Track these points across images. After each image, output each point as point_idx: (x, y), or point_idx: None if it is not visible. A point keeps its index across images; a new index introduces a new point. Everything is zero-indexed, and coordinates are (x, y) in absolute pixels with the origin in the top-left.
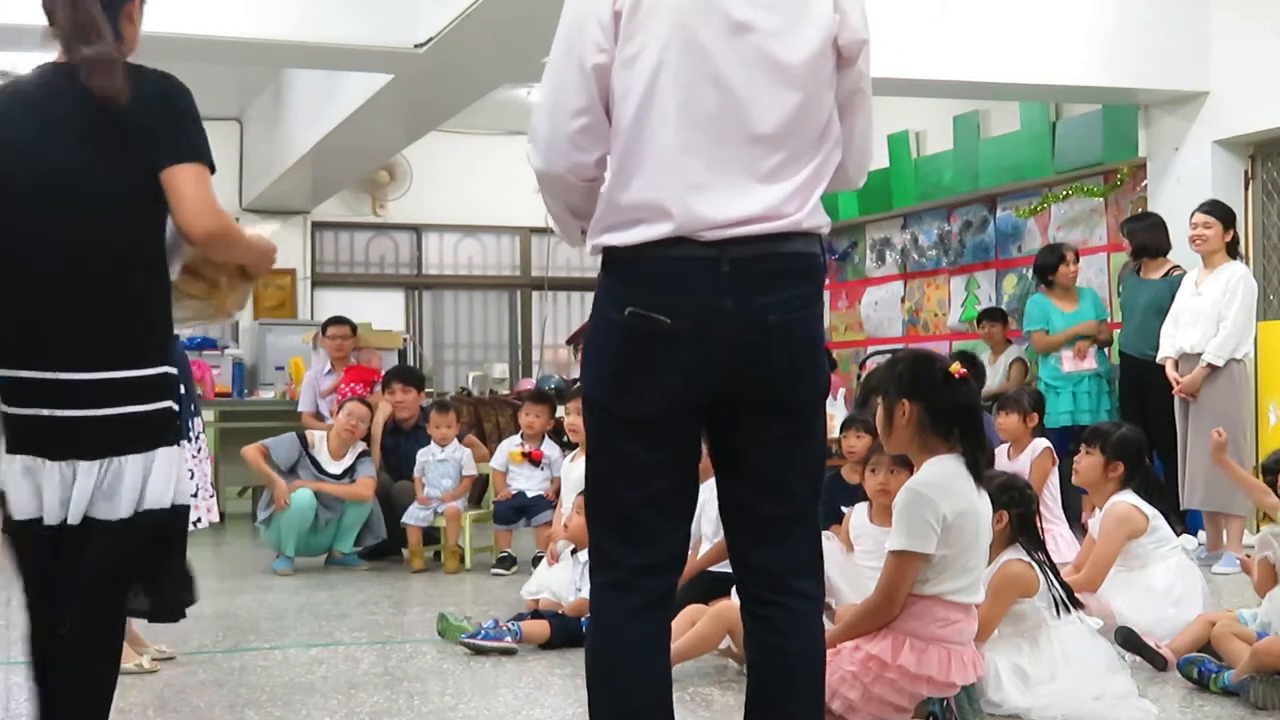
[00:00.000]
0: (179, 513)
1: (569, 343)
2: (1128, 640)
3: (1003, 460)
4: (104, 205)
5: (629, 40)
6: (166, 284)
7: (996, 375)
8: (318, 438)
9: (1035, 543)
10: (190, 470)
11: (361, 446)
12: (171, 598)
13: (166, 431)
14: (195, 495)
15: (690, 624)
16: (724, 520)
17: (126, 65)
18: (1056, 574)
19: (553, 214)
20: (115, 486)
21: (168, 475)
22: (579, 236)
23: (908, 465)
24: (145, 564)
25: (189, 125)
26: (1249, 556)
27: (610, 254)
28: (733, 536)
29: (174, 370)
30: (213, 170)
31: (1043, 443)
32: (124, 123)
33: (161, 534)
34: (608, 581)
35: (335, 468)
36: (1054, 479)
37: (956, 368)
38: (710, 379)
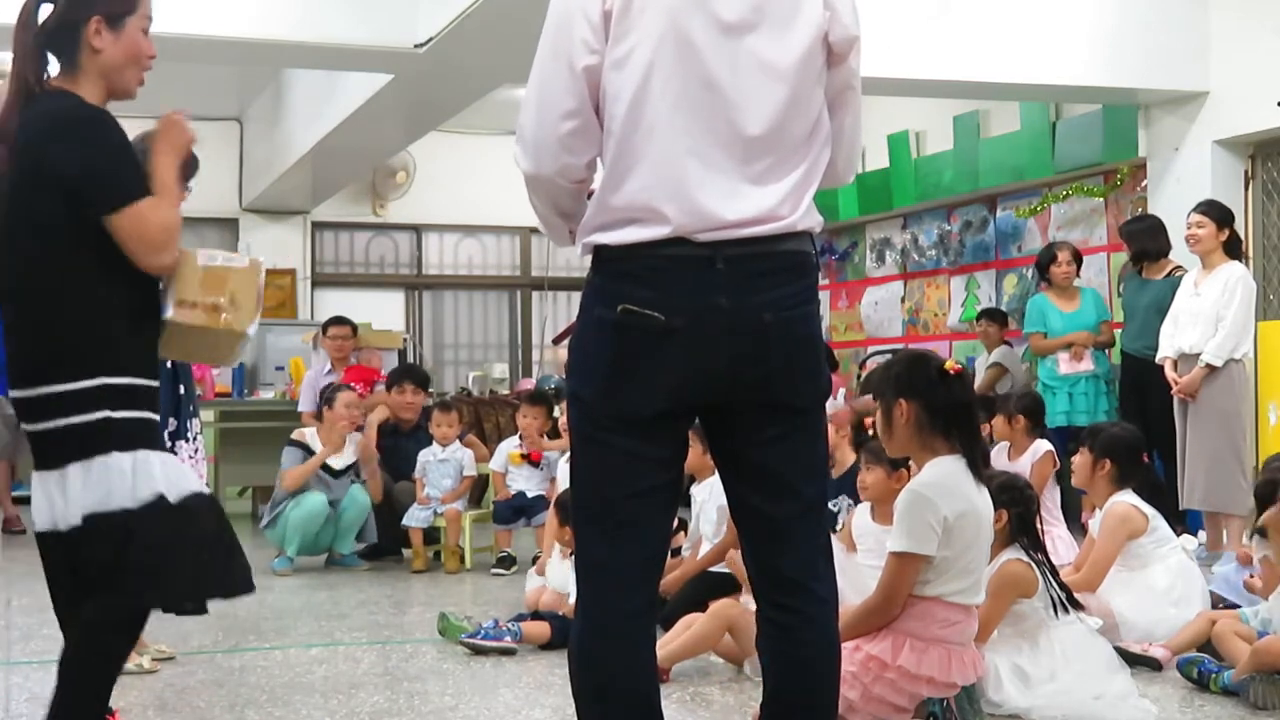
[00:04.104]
0: (135, 515)
1: (555, 342)
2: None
3: (1003, 462)
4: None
5: (620, 40)
6: (88, 302)
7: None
8: (309, 435)
9: (1034, 543)
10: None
11: (357, 437)
12: (178, 588)
13: (105, 440)
14: None
15: (689, 627)
16: (734, 521)
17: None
18: (1055, 574)
19: (540, 215)
20: (64, 495)
21: (105, 481)
22: (567, 237)
23: (884, 461)
24: (116, 565)
25: (104, 165)
26: (1253, 577)
27: (601, 252)
28: (744, 538)
29: (114, 380)
30: (130, 196)
31: (1044, 445)
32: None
33: (125, 536)
34: (596, 583)
35: (337, 463)
36: (1051, 480)
37: (951, 364)
38: (705, 378)
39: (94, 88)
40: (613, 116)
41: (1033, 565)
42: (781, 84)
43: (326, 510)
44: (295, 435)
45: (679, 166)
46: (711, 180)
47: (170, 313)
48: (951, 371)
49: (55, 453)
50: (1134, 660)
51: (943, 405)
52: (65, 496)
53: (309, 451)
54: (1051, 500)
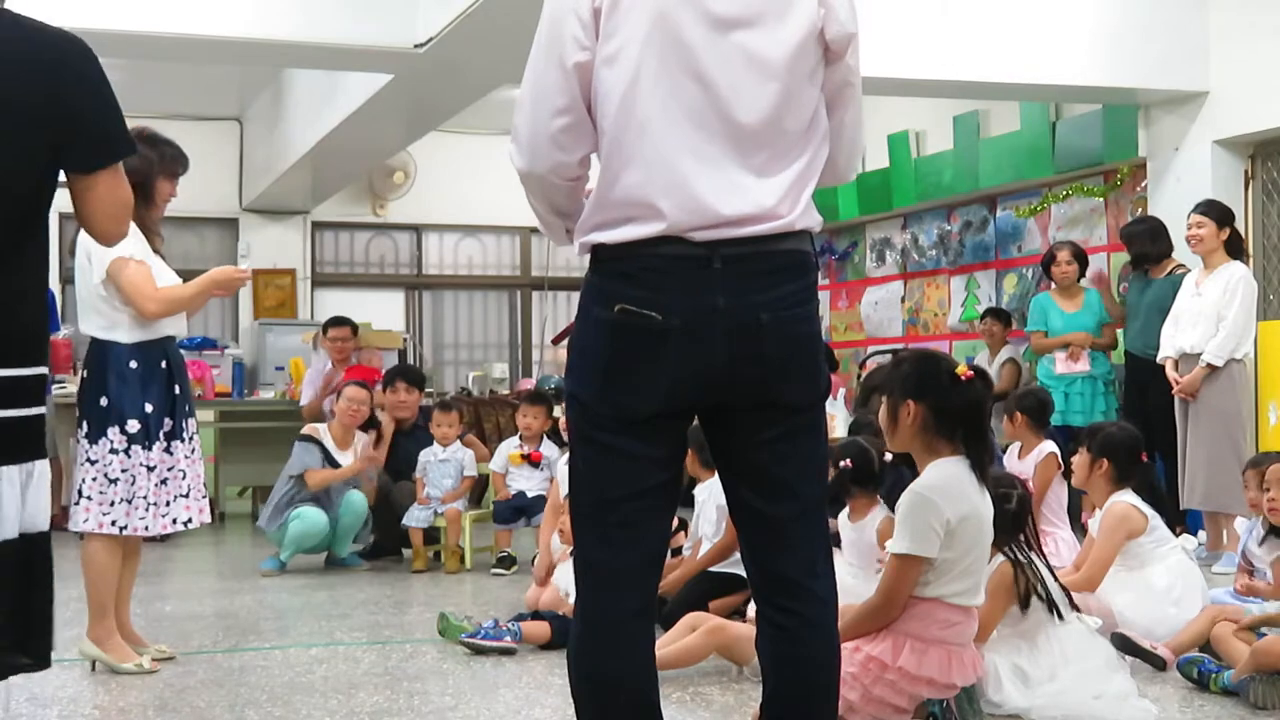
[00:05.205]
0: (45, 539)
1: (555, 342)
2: (1123, 644)
3: (1013, 462)
4: None
5: (610, 37)
6: (44, 276)
7: (990, 374)
8: (320, 430)
9: (1028, 540)
10: (183, 470)
11: (364, 438)
12: (42, 639)
13: (38, 442)
14: (188, 495)
15: (690, 629)
16: (734, 523)
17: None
18: (1051, 572)
19: (537, 214)
20: None
21: (42, 493)
22: (564, 236)
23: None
24: (16, 599)
25: (109, 111)
26: (1253, 577)
27: (599, 252)
28: (743, 539)
29: (46, 372)
30: (130, 151)
31: (1048, 446)
32: (13, 89)
33: (33, 561)
34: (594, 583)
35: (344, 458)
36: (1058, 482)
37: (963, 369)
38: (702, 378)
39: None
40: (605, 114)
41: (1029, 564)
42: (773, 80)
43: (326, 530)
44: (308, 430)
45: (673, 161)
46: (707, 174)
47: None
48: (963, 377)
49: None
50: (1142, 653)
51: (950, 409)
52: None
53: (323, 447)
54: (1056, 501)
